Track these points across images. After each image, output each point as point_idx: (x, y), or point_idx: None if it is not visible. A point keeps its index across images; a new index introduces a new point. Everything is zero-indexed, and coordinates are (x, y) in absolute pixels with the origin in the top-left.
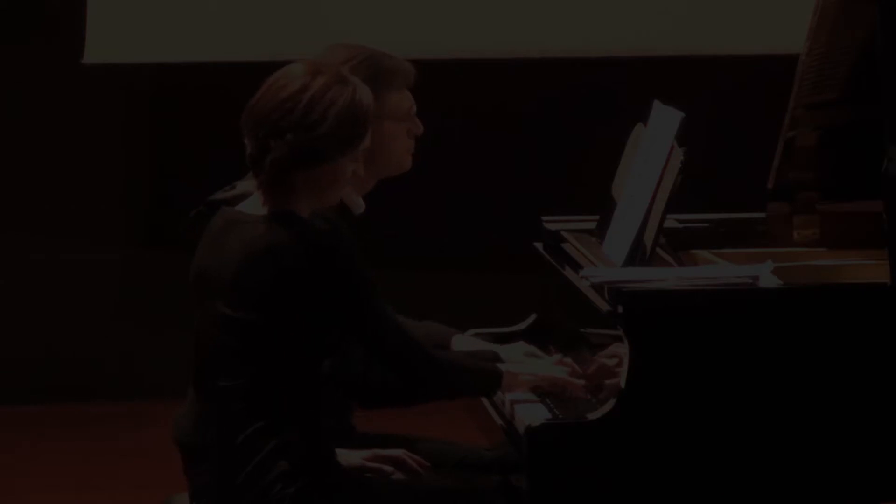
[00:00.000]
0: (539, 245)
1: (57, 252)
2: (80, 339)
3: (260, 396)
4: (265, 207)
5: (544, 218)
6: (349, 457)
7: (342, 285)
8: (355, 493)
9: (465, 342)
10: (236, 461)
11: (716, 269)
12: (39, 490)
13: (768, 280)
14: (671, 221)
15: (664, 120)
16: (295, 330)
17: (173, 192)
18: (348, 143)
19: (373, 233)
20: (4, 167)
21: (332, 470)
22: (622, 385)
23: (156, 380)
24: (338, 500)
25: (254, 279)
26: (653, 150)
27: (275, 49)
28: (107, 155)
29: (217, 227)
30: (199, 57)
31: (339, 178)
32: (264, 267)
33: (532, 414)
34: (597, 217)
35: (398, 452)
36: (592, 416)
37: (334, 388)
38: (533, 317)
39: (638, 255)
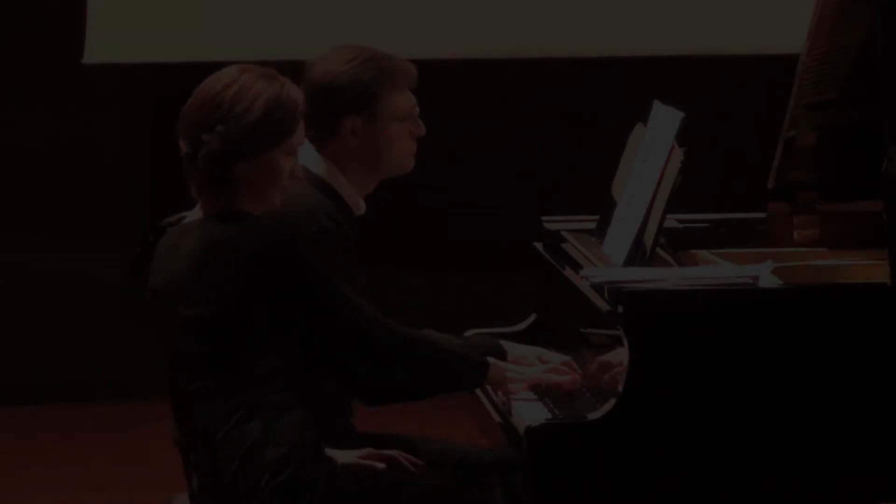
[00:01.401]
0: (539, 245)
1: (57, 252)
2: (80, 339)
3: (233, 391)
4: (203, 211)
5: (544, 218)
6: (344, 455)
7: (294, 274)
8: (349, 485)
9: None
10: (222, 459)
11: (716, 269)
12: (39, 490)
13: (768, 280)
14: (671, 221)
15: (664, 120)
16: (253, 321)
17: (173, 193)
18: (278, 134)
19: (373, 233)
20: (4, 167)
21: (321, 459)
22: (622, 385)
23: (156, 380)
24: (330, 491)
25: (206, 276)
26: (653, 150)
27: (275, 49)
28: (107, 155)
29: (165, 245)
30: (199, 57)
31: (275, 174)
32: (213, 263)
33: (532, 414)
34: (597, 217)
35: (392, 452)
36: (592, 416)
37: (334, 387)
38: (533, 317)
39: (638, 255)
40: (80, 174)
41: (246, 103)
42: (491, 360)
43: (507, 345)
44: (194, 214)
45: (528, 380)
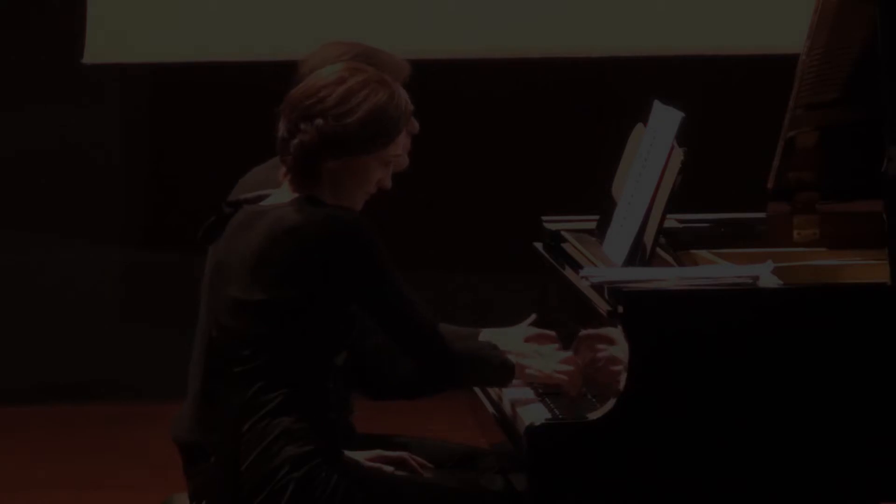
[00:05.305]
0: (539, 245)
1: (57, 252)
2: (80, 339)
3: (271, 382)
4: (291, 193)
5: (544, 218)
6: (351, 457)
7: (361, 268)
8: (361, 482)
9: (492, 335)
10: (244, 446)
11: (716, 269)
12: (40, 489)
13: (768, 280)
14: (671, 221)
15: (664, 120)
16: (312, 312)
17: (173, 192)
18: (375, 140)
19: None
20: (5, 167)
21: (339, 462)
22: (622, 385)
23: (156, 380)
24: (340, 491)
25: (272, 259)
26: (653, 150)
27: (274, 49)
28: (107, 155)
29: (239, 221)
30: (199, 57)
31: (363, 179)
32: (286, 246)
33: (532, 414)
34: (597, 217)
35: (401, 454)
36: (592, 416)
37: (333, 385)
38: (533, 317)
39: (638, 255)
40: (80, 174)
41: (350, 105)
42: (512, 359)
43: (514, 341)
44: (277, 196)
45: (544, 377)
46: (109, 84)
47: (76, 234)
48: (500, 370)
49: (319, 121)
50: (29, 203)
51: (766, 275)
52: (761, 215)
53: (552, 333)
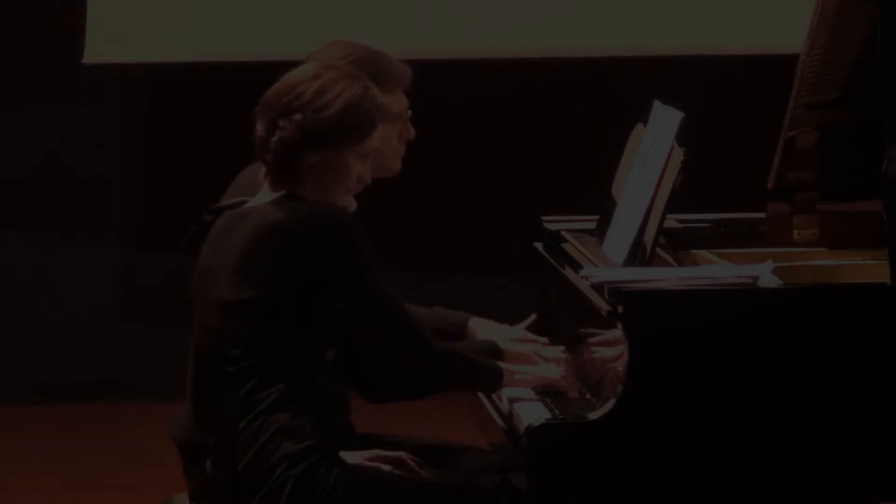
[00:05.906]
0: (539, 245)
1: (57, 252)
2: (80, 339)
3: (264, 381)
4: (271, 193)
5: (544, 218)
6: (350, 457)
7: (346, 265)
8: (356, 486)
9: (480, 325)
10: (240, 447)
11: (716, 269)
12: (39, 490)
13: (768, 280)
14: (671, 221)
15: (664, 120)
16: (301, 310)
17: (173, 192)
18: (351, 133)
19: (372, 233)
20: (4, 167)
21: (335, 459)
22: (622, 385)
23: (156, 380)
24: (338, 489)
25: (258, 257)
26: (653, 150)
27: (274, 49)
28: (107, 155)
29: (221, 226)
30: (199, 57)
31: (342, 173)
32: (268, 244)
33: (532, 414)
34: (597, 217)
35: (399, 454)
36: (592, 416)
37: (336, 384)
38: (533, 317)
39: (638, 255)
40: (80, 174)
41: (326, 99)
42: (502, 364)
43: (503, 340)
44: (258, 199)
45: (534, 382)
46: (109, 84)
47: (76, 234)
48: (489, 375)
49: (298, 116)
50: (29, 203)
51: (766, 275)
52: (761, 215)
53: (541, 339)
